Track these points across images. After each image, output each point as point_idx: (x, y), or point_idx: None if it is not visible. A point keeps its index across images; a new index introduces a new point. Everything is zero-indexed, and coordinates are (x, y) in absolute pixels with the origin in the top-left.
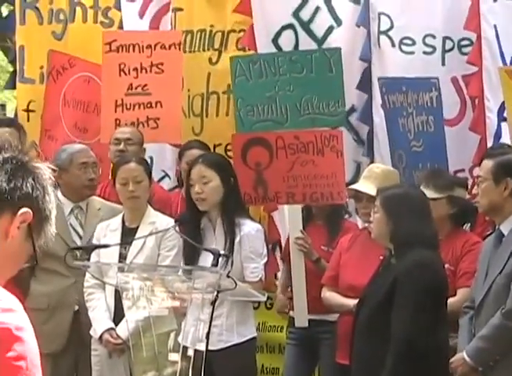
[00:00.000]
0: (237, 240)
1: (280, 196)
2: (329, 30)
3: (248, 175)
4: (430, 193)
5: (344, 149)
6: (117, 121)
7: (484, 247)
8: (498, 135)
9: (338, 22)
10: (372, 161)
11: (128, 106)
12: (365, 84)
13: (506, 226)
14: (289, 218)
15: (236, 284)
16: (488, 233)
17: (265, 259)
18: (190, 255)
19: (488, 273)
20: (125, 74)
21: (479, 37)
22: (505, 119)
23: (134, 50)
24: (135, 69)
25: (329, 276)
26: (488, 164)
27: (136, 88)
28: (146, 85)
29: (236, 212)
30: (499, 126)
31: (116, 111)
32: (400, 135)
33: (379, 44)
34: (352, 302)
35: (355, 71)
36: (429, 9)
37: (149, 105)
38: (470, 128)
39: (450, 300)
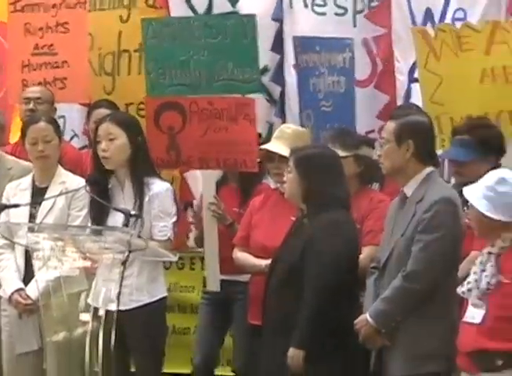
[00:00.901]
0: (146, 199)
1: (193, 160)
2: None
3: (161, 139)
4: (338, 150)
5: (257, 111)
6: (24, 82)
7: (390, 209)
8: (408, 96)
9: None
10: (284, 121)
11: (35, 67)
12: (277, 44)
13: (410, 188)
14: (202, 184)
15: (147, 244)
16: None
17: (174, 218)
18: (98, 216)
19: (392, 235)
20: (31, 33)
21: None
22: (416, 80)
23: (39, 10)
24: (41, 29)
25: (240, 237)
26: (390, 125)
27: (42, 48)
28: (51, 45)
29: (144, 171)
30: (409, 87)
31: (22, 72)
32: (310, 94)
33: (291, 4)
34: (264, 263)
35: (268, 32)
36: None
37: (55, 65)
38: (380, 88)
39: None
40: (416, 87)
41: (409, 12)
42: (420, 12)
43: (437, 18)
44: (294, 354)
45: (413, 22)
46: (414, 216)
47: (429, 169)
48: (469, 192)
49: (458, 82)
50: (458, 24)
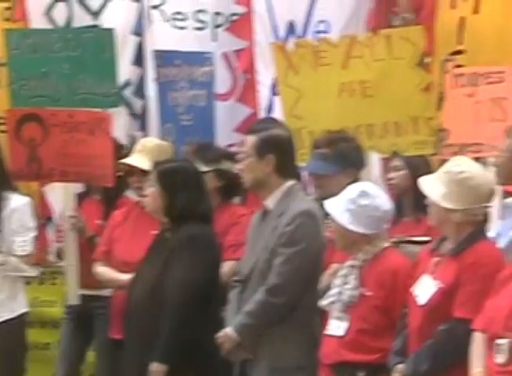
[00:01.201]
0: (4, 214)
1: (54, 173)
2: (104, 3)
3: (21, 151)
4: (200, 165)
5: (118, 124)
6: None
7: (252, 222)
8: (271, 108)
9: None
10: (146, 135)
11: None
12: (138, 58)
13: (271, 202)
14: (62, 196)
15: (7, 260)
16: None
17: (34, 233)
18: None
19: (254, 248)
20: None
21: (250, 11)
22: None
23: None
24: None
25: (101, 251)
26: (251, 139)
27: None
28: None
29: (1, 186)
30: (272, 99)
31: None
32: (170, 108)
33: (151, 18)
34: (126, 277)
35: (128, 46)
36: None
37: None
38: (243, 101)
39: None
40: (278, 100)
41: (271, 25)
42: (283, 24)
43: (300, 30)
44: (156, 369)
45: (276, 34)
46: (276, 229)
47: (290, 183)
48: (330, 205)
49: (317, 97)
50: (320, 36)
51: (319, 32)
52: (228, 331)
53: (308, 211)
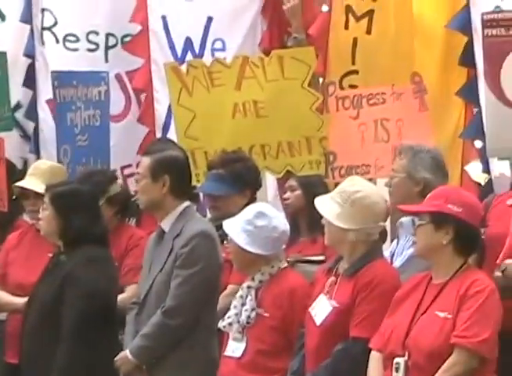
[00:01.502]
0: None
1: None
2: None
3: None
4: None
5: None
6: None
7: (148, 244)
8: (167, 126)
9: (2, 17)
10: (38, 158)
11: None
12: (30, 80)
13: (167, 223)
14: None
15: None
16: None
17: None
18: None
19: (151, 270)
20: None
21: (146, 29)
22: None
23: None
24: None
25: None
26: (146, 160)
27: None
28: None
29: None
30: (169, 118)
31: None
32: (67, 129)
33: (42, 40)
34: (21, 301)
35: (20, 68)
36: (92, 6)
37: None
38: (139, 120)
39: (119, 297)
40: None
41: (167, 42)
42: (180, 41)
43: (197, 47)
44: None
45: (173, 51)
46: (172, 251)
47: (185, 204)
48: (228, 226)
49: (211, 117)
50: (217, 54)
51: (215, 50)
52: (125, 354)
53: (203, 232)
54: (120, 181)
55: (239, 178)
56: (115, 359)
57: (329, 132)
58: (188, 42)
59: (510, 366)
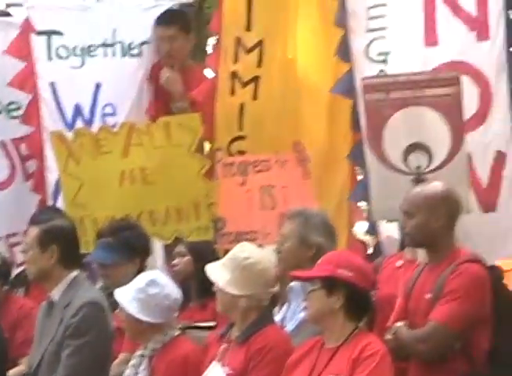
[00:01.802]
0: None
1: None
2: None
3: None
4: None
5: None
6: None
7: (38, 314)
8: (56, 195)
9: None
10: None
11: None
12: None
13: (56, 293)
14: None
15: None
16: None
17: None
18: None
19: (42, 341)
20: None
21: (36, 97)
22: None
23: None
24: None
25: None
26: (33, 230)
27: None
28: None
29: None
30: (59, 186)
31: None
32: None
33: None
34: None
35: None
36: None
37: None
38: (32, 188)
39: (15, 370)
40: None
41: (57, 109)
42: (70, 107)
43: (86, 113)
44: None
45: (63, 118)
46: (62, 321)
47: (75, 273)
48: (120, 294)
49: (98, 185)
50: (108, 119)
51: (106, 115)
52: None
53: (93, 302)
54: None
55: (129, 246)
56: None
57: (218, 198)
58: (77, 109)
59: None
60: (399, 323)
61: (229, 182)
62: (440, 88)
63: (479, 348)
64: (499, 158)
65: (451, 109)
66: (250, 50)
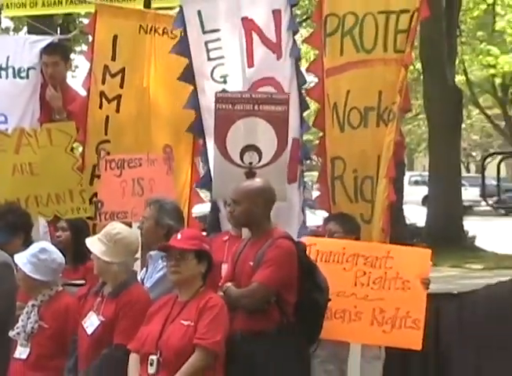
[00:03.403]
0: None
1: None
2: None
3: None
4: None
5: None
6: None
7: None
8: None
9: None
10: None
11: None
12: None
13: None
14: None
15: None
16: None
17: None
18: None
19: None
20: None
21: None
22: None
23: None
24: None
25: None
26: None
27: None
28: None
29: None
30: None
31: None
32: None
33: None
34: None
35: None
36: None
37: None
38: None
39: None
40: None
41: None
42: None
43: None
44: None
45: None
46: None
47: None
48: (18, 258)
49: None
50: (1, 126)
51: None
52: None
53: (4, 263)
54: None
55: (11, 225)
56: None
57: (100, 186)
58: None
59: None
60: (228, 284)
61: (109, 174)
62: (273, 105)
63: (288, 302)
64: (294, 144)
65: (279, 122)
66: (114, 75)
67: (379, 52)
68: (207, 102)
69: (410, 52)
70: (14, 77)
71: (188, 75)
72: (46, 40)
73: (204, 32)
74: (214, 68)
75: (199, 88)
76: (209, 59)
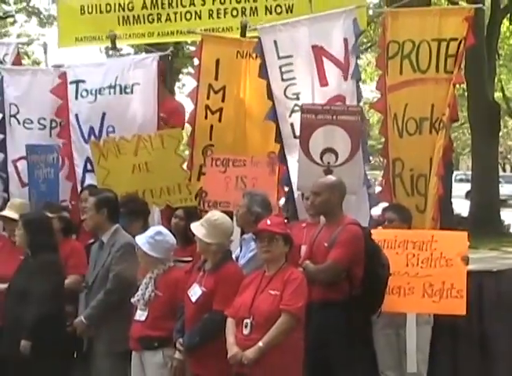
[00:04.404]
0: None
1: None
2: None
3: None
4: (47, 214)
5: None
6: None
7: (93, 249)
8: (83, 181)
9: None
10: (8, 195)
11: None
12: (2, 147)
13: (105, 237)
14: None
15: None
16: (92, 241)
17: None
18: None
19: (96, 266)
20: None
21: (67, 121)
22: (88, 170)
23: None
24: None
25: None
26: (91, 199)
27: None
28: None
29: None
30: (84, 176)
31: None
32: (34, 180)
33: (10, 123)
34: (3, 286)
35: None
36: (41, 102)
37: None
38: (66, 178)
39: (65, 281)
40: (90, 175)
41: (79, 129)
42: (86, 128)
43: (96, 132)
44: (24, 344)
45: (82, 135)
46: (109, 254)
47: (116, 225)
48: (138, 239)
49: (119, 173)
50: (111, 135)
51: (109, 132)
52: (80, 319)
53: (129, 243)
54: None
55: (134, 212)
56: (74, 322)
57: (205, 179)
58: (91, 129)
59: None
60: (307, 262)
61: (214, 170)
62: (348, 115)
63: (356, 277)
64: None
65: (353, 129)
66: (217, 91)
67: (432, 72)
68: (282, 114)
69: (459, 73)
70: (121, 93)
71: (269, 93)
72: (149, 58)
73: (279, 58)
74: (286, 87)
75: (276, 103)
76: (282, 80)
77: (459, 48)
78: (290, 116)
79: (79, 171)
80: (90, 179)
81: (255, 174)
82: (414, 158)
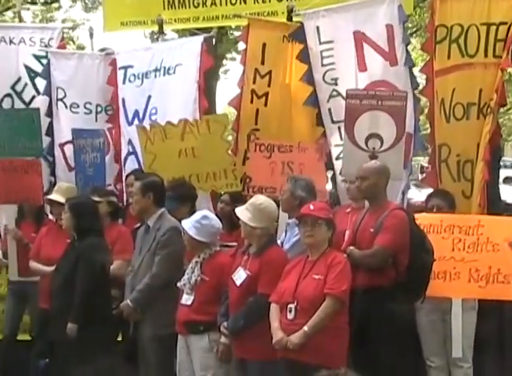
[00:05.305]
0: None
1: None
2: (32, 98)
3: None
4: (95, 198)
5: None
6: None
7: (138, 234)
8: (125, 163)
9: (38, 92)
10: (55, 179)
11: None
12: (49, 131)
13: (151, 221)
14: (4, 217)
15: None
16: (138, 225)
17: None
18: None
19: (141, 251)
20: None
21: (117, 106)
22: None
23: None
24: None
25: (33, 253)
26: (137, 184)
27: None
28: None
29: None
30: (126, 159)
31: None
32: (81, 165)
33: (57, 106)
34: (50, 269)
35: (43, 123)
36: (87, 86)
37: None
38: (114, 160)
39: (111, 266)
40: (131, 158)
41: (124, 113)
42: (131, 111)
43: (141, 115)
44: (70, 326)
45: (127, 118)
46: (155, 238)
47: (162, 209)
48: (185, 223)
49: (165, 157)
50: (153, 117)
51: (151, 114)
52: (126, 302)
53: (174, 227)
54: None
55: (181, 196)
56: (121, 305)
57: (249, 164)
58: (136, 112)
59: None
60: (351, 247)
61: (258, 155)
62: (394, 101)
63: (402, 263)
64: (407, 138)
65: (398, 115)
66: (263, 76)
67: (480, 57)
68: (322, 99)
69: (507, 58)
70: (164, 75)
71: (309, 78)
72: (193, 40)
73: (321, 43)
74: (325, 72)
75: (317, 88)
76: (322, 65)
77: (508, 32)
78: (328, 101)
79: (122, 154)
80: (131, 163)
81: (302, 159)
82: (461, 144)
